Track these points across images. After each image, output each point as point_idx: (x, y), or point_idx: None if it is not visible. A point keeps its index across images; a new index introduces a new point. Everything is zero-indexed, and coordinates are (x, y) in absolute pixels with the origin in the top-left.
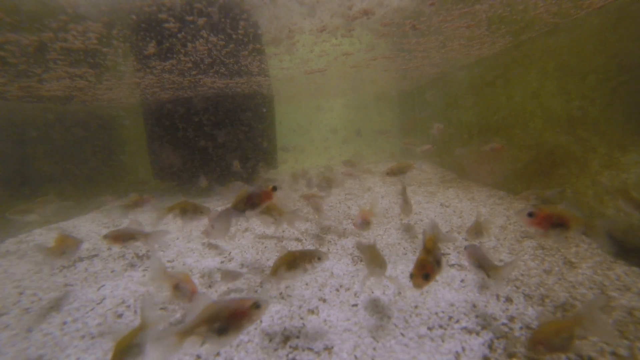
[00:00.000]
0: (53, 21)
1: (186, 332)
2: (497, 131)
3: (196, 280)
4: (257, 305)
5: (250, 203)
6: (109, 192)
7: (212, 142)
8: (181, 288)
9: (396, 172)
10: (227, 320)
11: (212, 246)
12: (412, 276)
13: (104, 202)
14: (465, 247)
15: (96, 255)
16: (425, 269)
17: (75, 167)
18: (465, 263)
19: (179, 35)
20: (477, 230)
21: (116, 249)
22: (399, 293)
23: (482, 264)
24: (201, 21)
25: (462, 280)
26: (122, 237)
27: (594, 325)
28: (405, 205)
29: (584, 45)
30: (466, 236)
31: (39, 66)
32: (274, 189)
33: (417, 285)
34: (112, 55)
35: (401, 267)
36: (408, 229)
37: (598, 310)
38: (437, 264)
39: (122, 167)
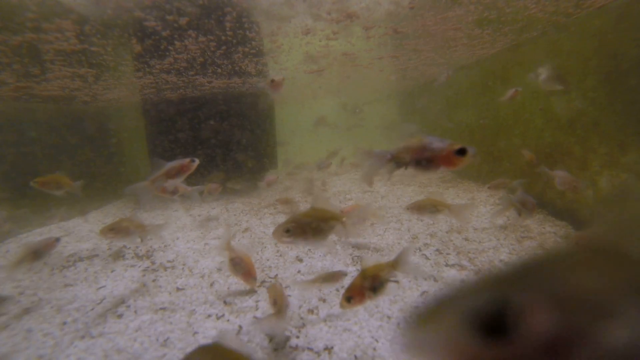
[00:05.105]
0: (26, 20)
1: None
2: (497, 131)
3: (196, 280)
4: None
5: (418, 157)
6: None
7: (212, 142)
8: (236, 264)
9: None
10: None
11: (212, 246)
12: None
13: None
14: (519, 193)
15: (96, 255)
16: (351, 293)
17: (75, 168)
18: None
19: (163, 33)
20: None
21: (116, 249)
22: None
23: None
24: (183, 20)
25: (462, 281)
26: None
27: (403, 266)
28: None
29: (584, 45)
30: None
31: (36, 66)
32: (461, 151)
33: (341, 306)
34: (109, 55)
35: None
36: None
37: (408, 256)
38: (373, 290)
39: (122, 167)
